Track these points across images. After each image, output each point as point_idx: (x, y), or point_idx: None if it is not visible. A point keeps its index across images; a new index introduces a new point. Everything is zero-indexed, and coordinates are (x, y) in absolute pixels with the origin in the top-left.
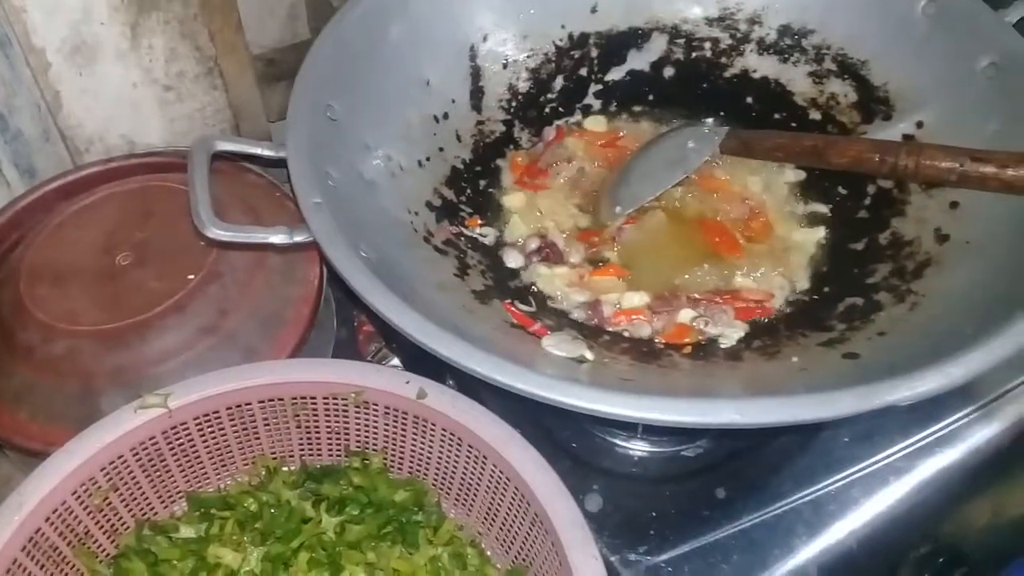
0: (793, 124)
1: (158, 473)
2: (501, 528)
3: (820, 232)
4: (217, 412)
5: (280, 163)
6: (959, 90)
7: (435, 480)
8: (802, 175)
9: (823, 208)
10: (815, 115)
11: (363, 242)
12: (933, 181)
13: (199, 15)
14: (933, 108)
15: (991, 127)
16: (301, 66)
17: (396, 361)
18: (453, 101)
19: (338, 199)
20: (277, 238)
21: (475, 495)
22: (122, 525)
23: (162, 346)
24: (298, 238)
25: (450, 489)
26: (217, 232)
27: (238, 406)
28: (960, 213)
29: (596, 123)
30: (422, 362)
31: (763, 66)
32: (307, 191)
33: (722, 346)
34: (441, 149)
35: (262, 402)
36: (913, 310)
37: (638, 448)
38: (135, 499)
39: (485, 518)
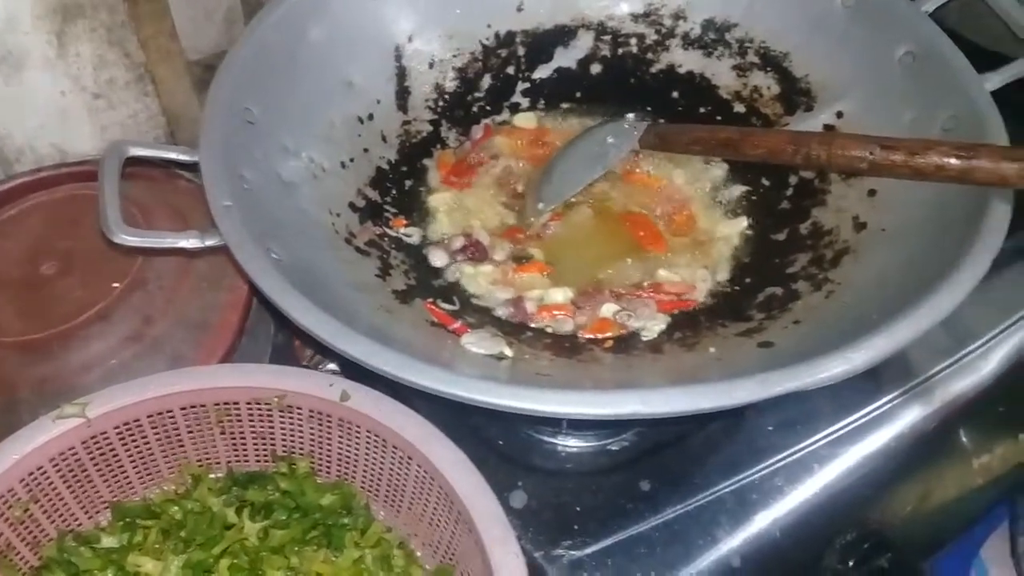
0: (718, 117)
1: (80, 484)
2: (428, 528)
3: (743, 224)
4: (138, 420)
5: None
6: (878, 80)
7: (363, 482)
8: (726, 168)
9: (746, 200)
10: (739, 108)
11: (276, 244)
12: (846, 170)
13: (127, 22)
14: (853, 98)
15: (908, 115)
16: (217, 70)
17: (333, 365)
18: (378, 102)
19: (252, 202)
20: (188, 242)
21: (403, 496)
22: (45, 537)
23: (87, 355)
24: (209, 242)
25: (378, 491)
26: (125, 238)
27: (159, 414)
28: (877, 201)
29: (526, 120)
30: (356, 365)
31: (688, 61)
32: (218, 194)
33: (644, 339)
34: (366, 150)
35: (184, 409)
36: (829, 298)
37: (564, 443)
38: (57, 510)
39: (413, 519)
